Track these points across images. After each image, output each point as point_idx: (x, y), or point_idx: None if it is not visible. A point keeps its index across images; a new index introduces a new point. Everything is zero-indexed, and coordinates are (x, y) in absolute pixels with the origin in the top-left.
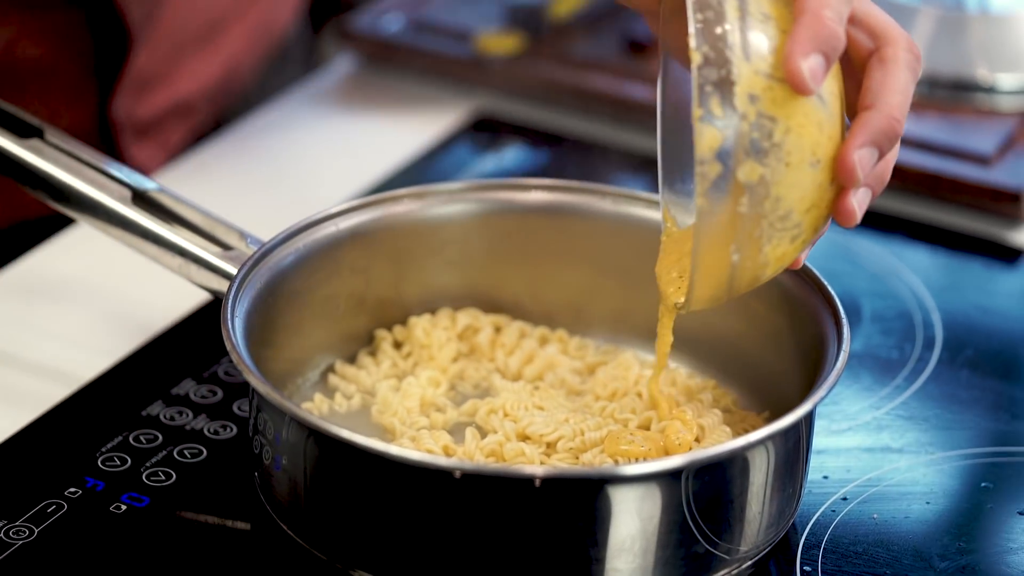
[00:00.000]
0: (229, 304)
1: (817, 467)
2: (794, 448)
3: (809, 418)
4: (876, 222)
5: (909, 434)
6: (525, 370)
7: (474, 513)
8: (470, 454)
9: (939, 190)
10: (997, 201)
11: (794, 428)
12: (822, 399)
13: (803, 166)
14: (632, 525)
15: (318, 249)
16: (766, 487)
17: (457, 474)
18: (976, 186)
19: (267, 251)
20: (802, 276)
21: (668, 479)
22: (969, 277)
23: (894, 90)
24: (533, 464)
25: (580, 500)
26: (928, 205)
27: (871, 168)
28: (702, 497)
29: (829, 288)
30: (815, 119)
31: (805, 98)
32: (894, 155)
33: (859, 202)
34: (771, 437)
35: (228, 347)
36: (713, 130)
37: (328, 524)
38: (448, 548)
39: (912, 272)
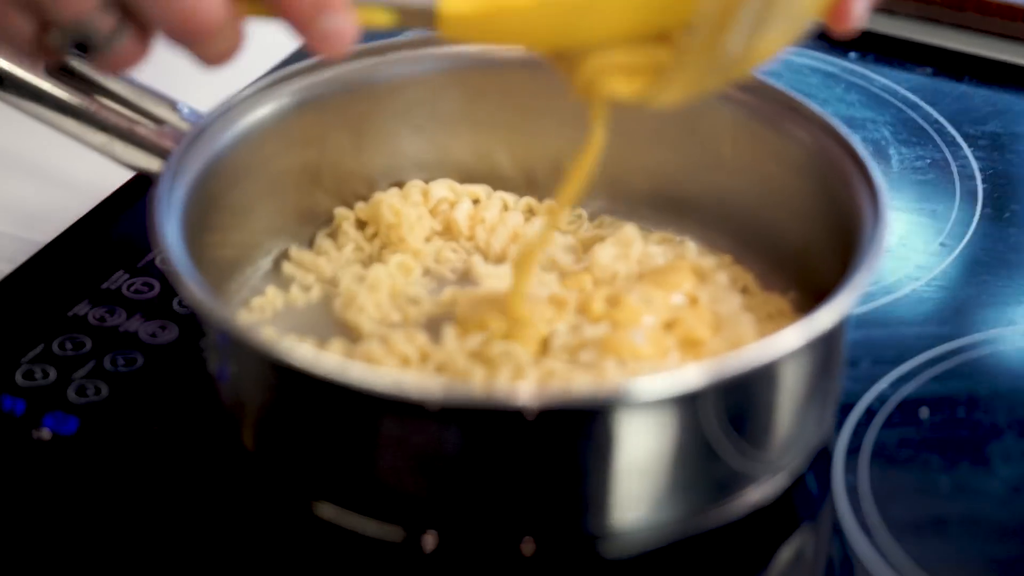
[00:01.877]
0: (162, 187)
1: (852, 353)
2: (832, 346)
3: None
4: (898, 52)
5: (956, 309)
6: (510, 250)
7: (454, 444)
8: (451, 357)
9: (965, 7)
10: None
11: (833, 326)
12: (863, 288)
13: None
14: (642, 450)
15: (265, 120)
16: (801, 394)
17: (432, 407)
18: (1008, 5)
19: (207, 124)
20: (821, 128)
21: (686, 400)
22: (1010, 116)
23: None
24: (521, 370)
25: (578, 429)
26: (956, 35)
27: None
28: (726, 413)
29: (853, 143)
30: None
31: None
32: None
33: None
34: (809, 341)
35: (155, 237)
36: None
37: (287, 456)
38: (424, 482)
39: (943, 116)
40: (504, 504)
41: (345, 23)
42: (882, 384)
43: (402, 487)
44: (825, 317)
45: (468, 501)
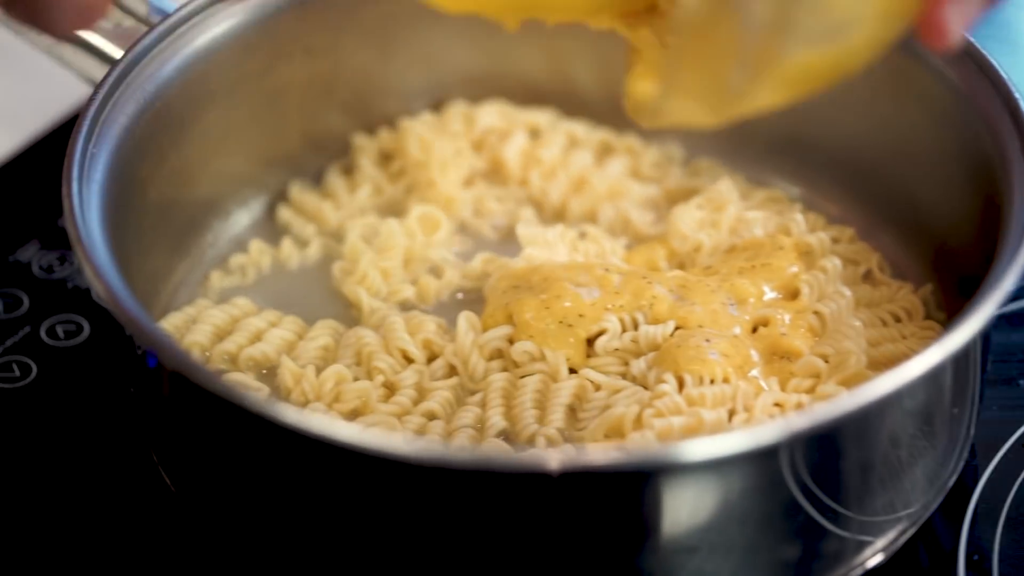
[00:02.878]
0: (87, 121)
1: (998, 377)
2: (962, 371)
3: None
4: None
5: None
6: (570, 202)
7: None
8: (463, 355)
9: None
10: None
11: (964, 350)
12: (1008, 293)
13: None
14: (699, 516)
15: (254, 20)
16: (913, 437)
17: (414, 461)
18: None
19: (167, 28)
20: (975, 65)
21: (755, 458)
22: None
23: None
24: (555, 374)
25: (612, 494)
26: None
27: None
28: (811, 466)
29: (1013, 91)
30: None
31: None
32: None
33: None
34: (925, 374)
35: (65, 208)
36: None
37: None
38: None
39: None
40: None
41: None
42: None
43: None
44: (956, 340)
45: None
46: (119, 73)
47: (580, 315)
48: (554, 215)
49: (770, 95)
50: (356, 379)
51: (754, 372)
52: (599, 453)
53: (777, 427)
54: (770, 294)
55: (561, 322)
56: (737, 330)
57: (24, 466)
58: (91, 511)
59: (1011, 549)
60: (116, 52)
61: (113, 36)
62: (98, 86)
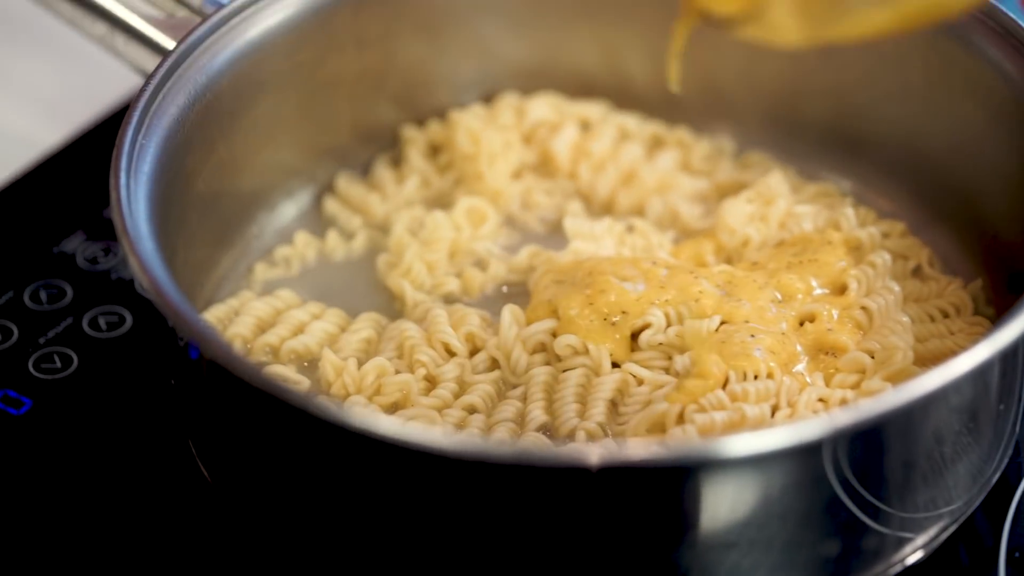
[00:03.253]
0: (137, 112)
1: None
2: (1009, 368)
3: None
4: None
5: None
6: (618, 196)
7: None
8: (506, 349)
9: None
10: None
11: (1012, 347)
12: None
13: None
14: (739, 511)
15: (306, 12)
16: (956, 433)
17: (450, 455)
18: None
19: (226, 17)
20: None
21: (797, 454)
22: None
23: None
24: (597, 367)
25: (652, 489)
26: None
27: None
28: (854, 463)
29: None
30: None
31: None
32: None
33: None
34: (971, 371)
35: (112, 198)
36: None
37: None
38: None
39: None
40: None
41: None
42: None
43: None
44: (1004, 336)
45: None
46: (171, 64)
47: (624, 310)
48: (602, 208)
49: (878, 18)
50: (398, 372)
51: (799, 367)
52: (639, 448)
53: (820, 423)
54: (818, 290)
55: (605, 316)
56: (784, 326)
57: (64, 457)
58: (130, 502)
59: None
60: (168, 43)
61: (165, 27)
62: (149, 77)
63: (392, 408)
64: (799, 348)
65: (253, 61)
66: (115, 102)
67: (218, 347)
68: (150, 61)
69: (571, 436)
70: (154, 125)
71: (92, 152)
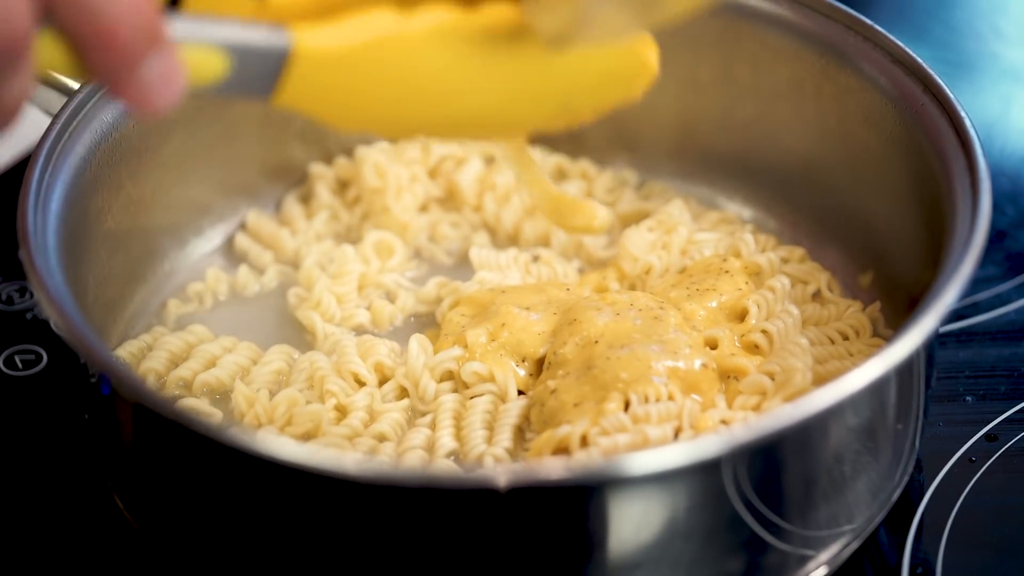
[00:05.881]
0: (43, 152)
1: (944, 394)
2: (905, 386)
3: (929, 346)
4: None
5: None
6: (524, 226)
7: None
8: (414, 377)
9: None
10: None
11: (906, 364)
12: (949, 307)
13: None
14: (644, 530)
15: None
16: (854, 451)
17: (360, 479)
18: None
19: None
20: (915, 82)
21: (697, 471)
22: None
23: None
24: (503, 394)
25: (558, 509)
26: None
27: None
28: (755, 480)
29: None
30: None
31: None
32: None
33: None
34: (865, 387)
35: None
36: None
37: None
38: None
39: None
40: None
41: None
42: (989, 425)
43: None
44: (897, 352)
45: None
46: (77, 103)
47: (529, 337)
48: (508, 239)
49: None
50: (309, 403)
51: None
52: (545, 468)
53: (719, 440)
54: (719, 314)
55: (510, 343)
56: (687, 351)
57: None
58: (47, 541)
59: (955, 564)
60: (74, 83)
61: None
62: (56, 117)
63: (304, 438)
64: (698, 368)
65: None
66: (26, 145)
67: (127, 380)
68: (57, 101)
69: (479, 462)
70: (61, 164)
71: (3, 194)
